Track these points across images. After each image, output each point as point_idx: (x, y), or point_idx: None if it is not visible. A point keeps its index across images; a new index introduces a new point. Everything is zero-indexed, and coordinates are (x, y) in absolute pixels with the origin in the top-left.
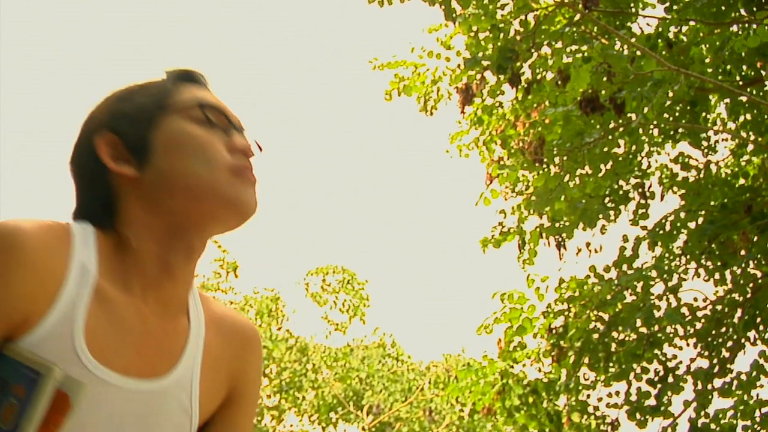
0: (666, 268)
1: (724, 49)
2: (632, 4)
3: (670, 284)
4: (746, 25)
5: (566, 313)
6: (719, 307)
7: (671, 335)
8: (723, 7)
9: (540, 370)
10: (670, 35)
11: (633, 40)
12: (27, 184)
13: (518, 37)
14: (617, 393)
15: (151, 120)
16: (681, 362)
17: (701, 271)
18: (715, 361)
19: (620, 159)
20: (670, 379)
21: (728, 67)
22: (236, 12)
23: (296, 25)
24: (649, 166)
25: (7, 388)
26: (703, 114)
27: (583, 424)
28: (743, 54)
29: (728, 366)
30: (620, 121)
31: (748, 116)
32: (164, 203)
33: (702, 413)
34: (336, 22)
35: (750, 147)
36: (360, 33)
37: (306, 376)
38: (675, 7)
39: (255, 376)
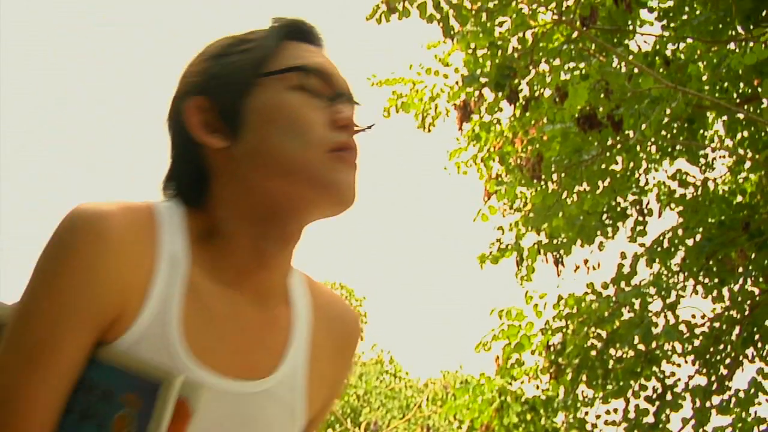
0: (664, 285)
1: (721, 67)
2: (630, 22)
3: (668, 301)
4: (743, 42)
5: (564, 330)
6: (717, 325)
7: (669, 352)
8: (720, 25)
9: (538, 387)
10: (668, 53)
11: (631, 57)
12: (27, 184)
13: (516, 55)
14: (615, 410)
15: (246, 85)
16: (679, 379)
17: (699, 288)
18: (713, 378)
19: (618, 176)
20: (669, 397)
21: (725, 84)
22: (234, 25)
23: None
24: (646, 183)
25: (115, 399)
26: (701, 131)
27: None
28: (740, 71)
29: (726, 383)
30: (618, 138)
31: (746, 133)
32: (257, 183)
33: (700, 431)
34: (334, 38)
35: (747, 164)
36: (358, 49)
37: None
38: (672, 25)
39: (346, 374)
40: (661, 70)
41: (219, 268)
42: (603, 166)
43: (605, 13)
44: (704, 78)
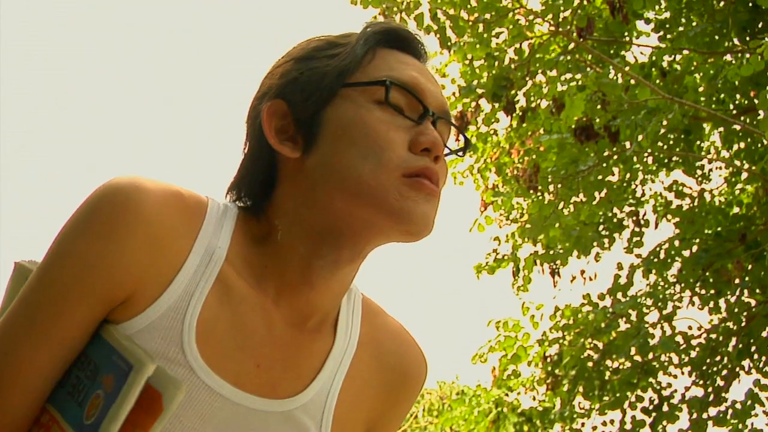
0: (660, 296)
1: (718, 78)
2: (626, 33)
3: (664, 312)
4: (739, 54)
5: (561, 341)
6: (714, 336)
7: (666, 363)
8: (716, 37)
9: (534, 399)
10: (664, 64)
11: (627, 68)
12: (27, 184)
13: (513, 66)
14: (612, 422)
15: (328, 94)
16: (676, 391)
17: (696, 299)
18: (710, 389)
19: (614, 187)
20: (665, 408)
21: (722, 95)
22: (234, 25)
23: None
24: (643, 194)
25: (98, 378)
26: (697, 142)
27: None
28: (737, 83)
29: (723, 395)
30: (614, 149)
31: (742, 145)
32: (322, 199)
33: None
34: None
35: (744, 175)
36: None
37: None
38: (669, 36)
39: (399, 420)
40: (657, 81)
41: (261, 276)
42: (599, 176)
43: (602, 24)
44: (701, 89)
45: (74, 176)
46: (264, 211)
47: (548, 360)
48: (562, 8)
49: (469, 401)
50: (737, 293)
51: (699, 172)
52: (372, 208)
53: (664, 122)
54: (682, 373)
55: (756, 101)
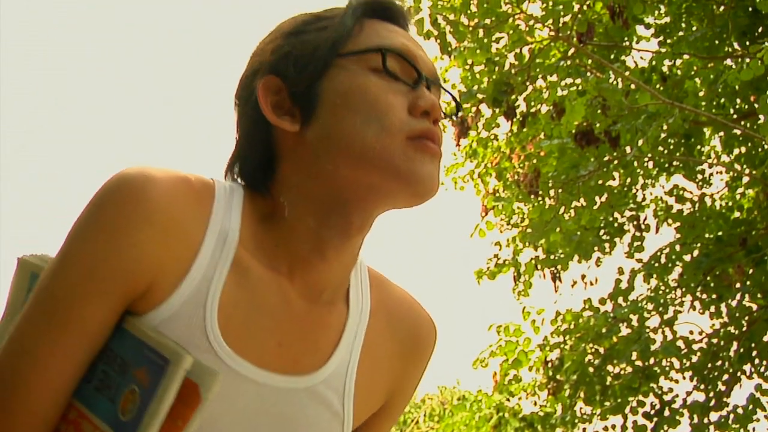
0: (661, 300)
1: (718, 83)
2: (626, 38)
3: (665, 317)
4: (739, 58)
5: (562, 345)
6: (715, 340)
7: (667, 368)
8: (716, 41)
9: (536, 404)
10: (664, 69)
11: (627, 73)
12: (27, 184)
13: (513, 71)
14: (613, 426)
15: (323, 66)
16: (677, 396)
17: (697, 303)
18: (711, 394)
19: (615, 191)
20: (667, 413)
21: (722, 100)
22: (234, 26)
23: None
24: (643, 199)
25: (129, 372)
26: (698, 147)
27: None
28: (737, 87)
29: (725, 400)
30: (615, 153)
31: (743, 149)
32: (325, 169)
33: None
34: None
35: (744, 180)
36: None
37: None
38: (669, 41)
39: (415, 383)
40: (657, 86)
41: (273, 255)
42: (600, 181)
43: (602, 29)
44: (701, 94)
45: (74, 176)
46: (268, 188)
47: (549, 365)
48: (562, 13)
49: (470, 406)
50: (738, 298)
51: (699, 176)
52: (379, 171)
53: (665, 127)
54: (684, 377)
55: (756, 106)
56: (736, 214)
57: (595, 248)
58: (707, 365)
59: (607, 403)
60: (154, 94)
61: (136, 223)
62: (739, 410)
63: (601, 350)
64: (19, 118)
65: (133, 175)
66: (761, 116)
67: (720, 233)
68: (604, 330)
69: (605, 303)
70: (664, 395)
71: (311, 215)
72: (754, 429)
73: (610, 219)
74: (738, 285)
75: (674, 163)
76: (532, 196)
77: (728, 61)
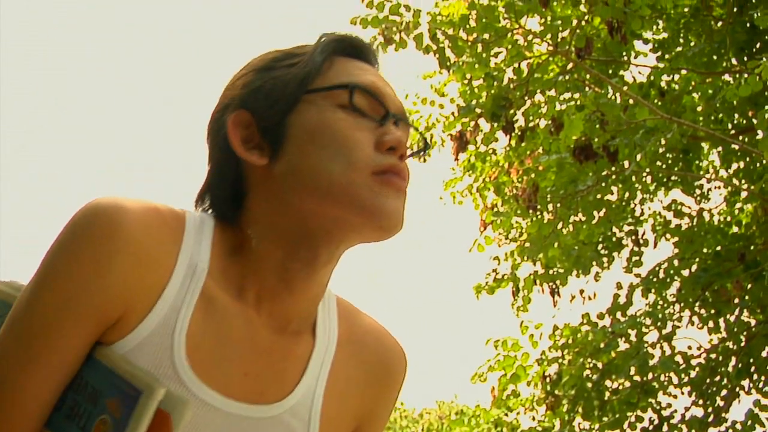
0: (660, 315)
1: (716, 98)
2: (624, 53)
3: (664, 332)
4: (737, 74)
5: (560, 360)
6: (713, 356)
7: (666, 383)
8: (714, 57)
9: (534, 419)
10: (663, 84)
11: (625, 88)
12: (27, 183)
13: (512, 85)
14: None
15: (290, 101)
16: (676, 411)
17: (695, 319)
18: (710, 410)
19: (613, 206)
20: (665, 428)
21: (720, 115)
22: (233, 26)
23: None
24: (642, 214)
25: (100, 401)
26: (696, 162)
27: None
28: (735, 103)
29: (723, 415)
30: (613, 168)
31: (741, 164)
32: (292, 203)
33: None
34: None
35: (743, 195)
36: None
37: None
38: (667, 56)
39: (386, 410)
40: (656, 101)
41: (240, 286)
42: (598, 196)
43: (600, 44)
44: (699, 109)
45: (74, 176)
46: (237, 221)
47: (548, 380)
48: (560, 28)
49: (468, 421)
50: (737, 313)
51: (698, 191)
52: (345, 206)
53: (663, 142)
54: (682, 393)
55: (754, 121)
56: (735, 229)
57: (594, 263)
58: (706, 380)
59: (606, 419)
60: (154, 94)
61: (110, 253)
62: (738, 426)
63: (600, 365)
64: (19, 118)
65: (105, 206)
66: (759, 131)
67: (718, 248)
68: (602, 345)
69: (603, 318)
70: (662, 410)
71: (278, 248)
72: None
73: (609, 234)
74: (736, 300)
75: (672, 178)
76: (531, 211)
77: (726, 77)
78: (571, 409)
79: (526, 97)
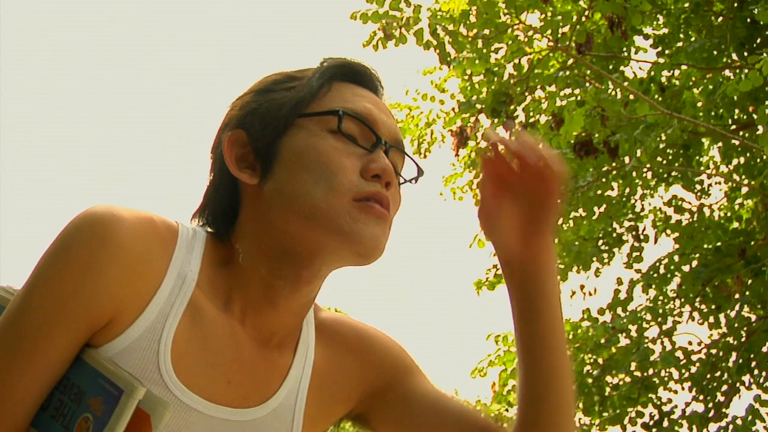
0: (660, 311)
1: (716, 94)
2: (625, 49)
3: (664, 327)
4: (738, 69)
5: None
6: (714, 351)
7: (666, 379)
8: (715, 52)
9: None
10: (663, 79)
11: (626, 84)
12: (27, 183)
13: (512, 81)
14: None
15: (284, 124)
16: (676, 406)
17: (695, 314)
18: (710, 405)
19: (614, 202)
20: (666, 424)
21: (720, 111)
22: (234, 26)
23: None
24: (642, 209)
25: (84, 401)
26: (696, 157)
27: None
28: (735, 98)
29: (724, 410)
30: (614, 164)
31: (741, 160)
32: (277, 222)
33: None
34: None
35: (743, 190)
36: None
37: None
38: (667, 52)
39: (398, 361)
40: (656, 96)
41: (227, 298)
42: (599, 192)
43: (600, 40)
44: (699, 105)
45: (74, 176)
46: (228, 235)
47: None
48: (561, 24)
49: None
50: (737, 308)
51: (698, 187)
52: (324, 230)
53: (663, 137)
54: (683, 388)
55: (755, 116)
56: (735, 224)
57: (594, 259)
58: (706, 376)
59: (606, 414)
60: (154, 94)
61: (103, 260)
62: (738, 421)
63: (600, 361)
64: (19, 118)
65: (100, 214)
66: (760, 127)
67: (719, 244)
68: (602, 340)
69: (604, 313)
70: (663, 406)
71: (263, 264)
72: None
73: (609, 229)
74: (737, 295)
75: (673, 173)
76: None
77: (727, 72)
78: None
79: (526, 93)
